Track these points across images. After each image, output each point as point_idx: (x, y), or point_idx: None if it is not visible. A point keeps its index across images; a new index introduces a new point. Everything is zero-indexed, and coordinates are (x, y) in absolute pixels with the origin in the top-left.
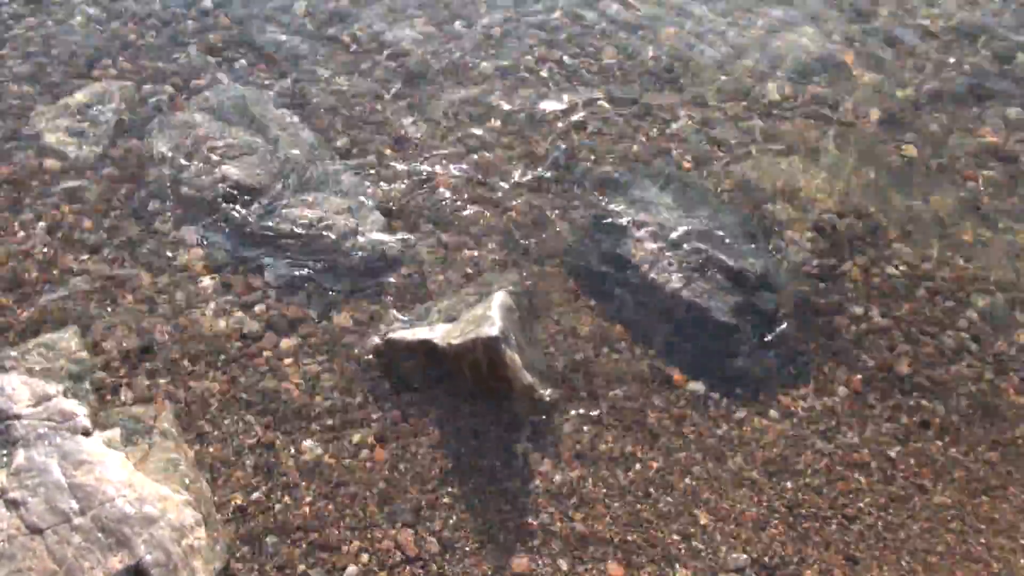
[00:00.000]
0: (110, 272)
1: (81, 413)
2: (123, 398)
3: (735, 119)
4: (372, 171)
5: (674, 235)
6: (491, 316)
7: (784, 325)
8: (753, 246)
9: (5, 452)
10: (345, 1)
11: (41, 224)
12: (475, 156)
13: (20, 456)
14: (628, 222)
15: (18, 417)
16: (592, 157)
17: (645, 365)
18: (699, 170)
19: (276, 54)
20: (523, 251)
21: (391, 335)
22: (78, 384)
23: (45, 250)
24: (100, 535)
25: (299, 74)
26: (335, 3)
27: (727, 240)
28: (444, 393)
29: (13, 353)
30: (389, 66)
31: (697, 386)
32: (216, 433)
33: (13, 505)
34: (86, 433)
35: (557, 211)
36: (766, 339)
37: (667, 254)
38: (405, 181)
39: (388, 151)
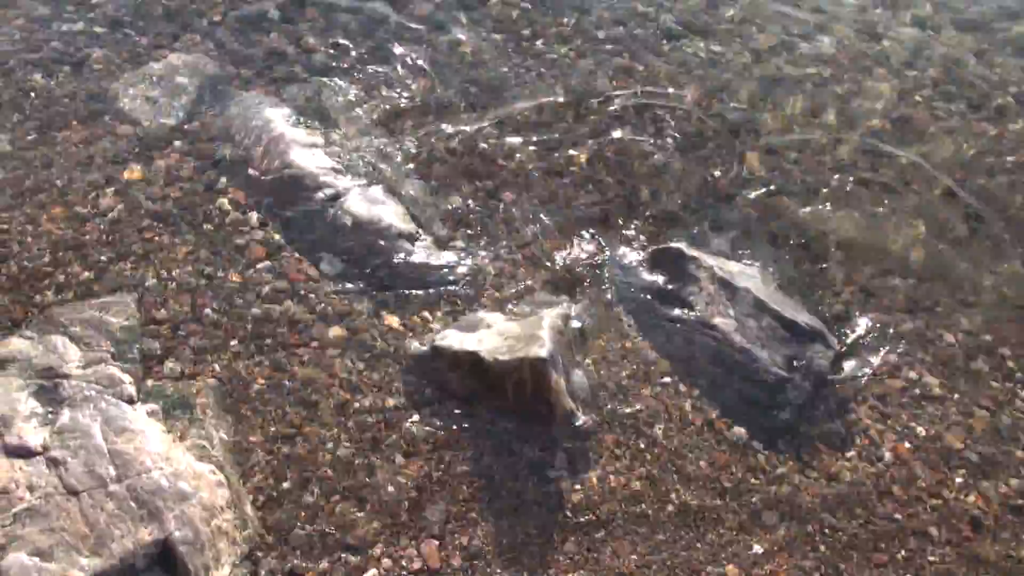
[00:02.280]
0: (169, 243)
1: (127, 380)
2: (168, 370)
3: (806, 170)
4: (439, 175)
5: (732, 279)
6: (541, 337)
7: (835, 383)
8: (811, 299)
9: (51, 410)
10: (429, 7)
11: (109, 189)
12: (544, 177)
13: (65, 416)
14: (687, 259)
15: (67, 377)
16: (659, 190)
17: (688, 404)
18: (765, 217)
19: (355, 51)
20: (578, 275)
21: (438, 342)
22: (127, 351)
23: (110, 215)
24: (133, 505)
25: (374, 73)
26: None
27: (785, 290)
28: (484, 408)
29: (68, 312)
30: (468, 76)
31: (739, 433)
32: (254, 417)
33: (53, 463)
34: (130, 401)
35: (617, 238)
36: (815, 395)
37: (723, 297)
38: (471, 191)
39: (454, 156)
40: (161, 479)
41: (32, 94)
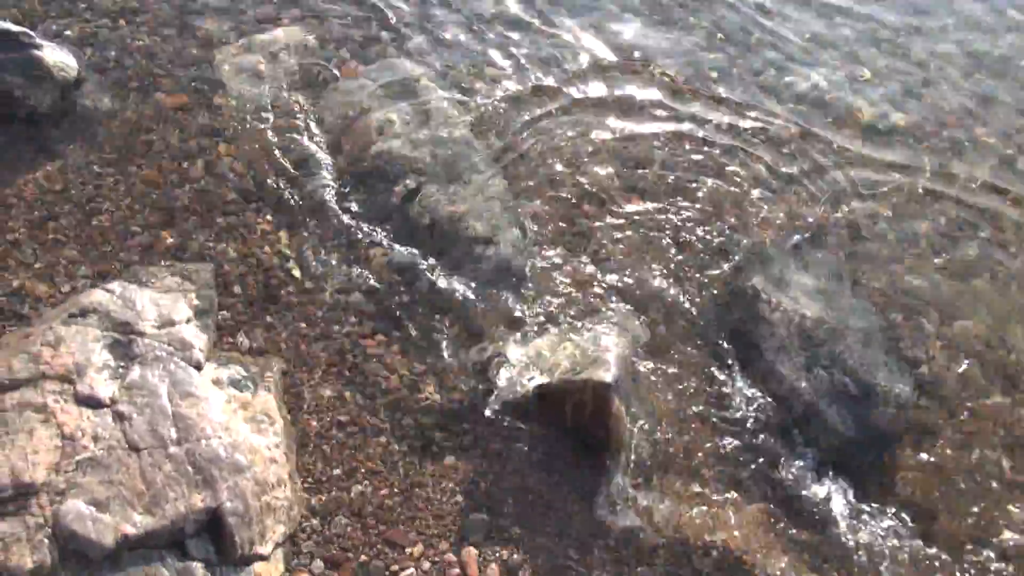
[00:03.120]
0: (252, 221)
1: (199, 346)
2: (239, 343)
3: (903, 223)
4: (523, 183)
5: (808, 325)
6: (608, 361)
7: (899, 447)
8: (886, 357)
9: (123, 365)
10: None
11: (200, 159)
12: (631, 198)
13: (135, 372)
14: (763, 300)
15: (142, 334)
16: (745, 225)
17: (751, 445)
18: (850, 265)
19: (454, 42)
20: (651, 301)
21: (502, 352)
22: (202, 318)
23: (199, 183)
24: (190, 469)
25: (469, 68)
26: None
27: (860, 344)
28: (539, 423)
29: (151, 273)
30: (565, 91)
31: (794, 483)
32: (313, 401)
33: (119, 417)
34: (198, 367)
35: (698, 269)
36: (877, 456)
37: (796, 342)
38: (553, 201)
39: (542, 166)
40: (219, 448)
41: (137, 55)
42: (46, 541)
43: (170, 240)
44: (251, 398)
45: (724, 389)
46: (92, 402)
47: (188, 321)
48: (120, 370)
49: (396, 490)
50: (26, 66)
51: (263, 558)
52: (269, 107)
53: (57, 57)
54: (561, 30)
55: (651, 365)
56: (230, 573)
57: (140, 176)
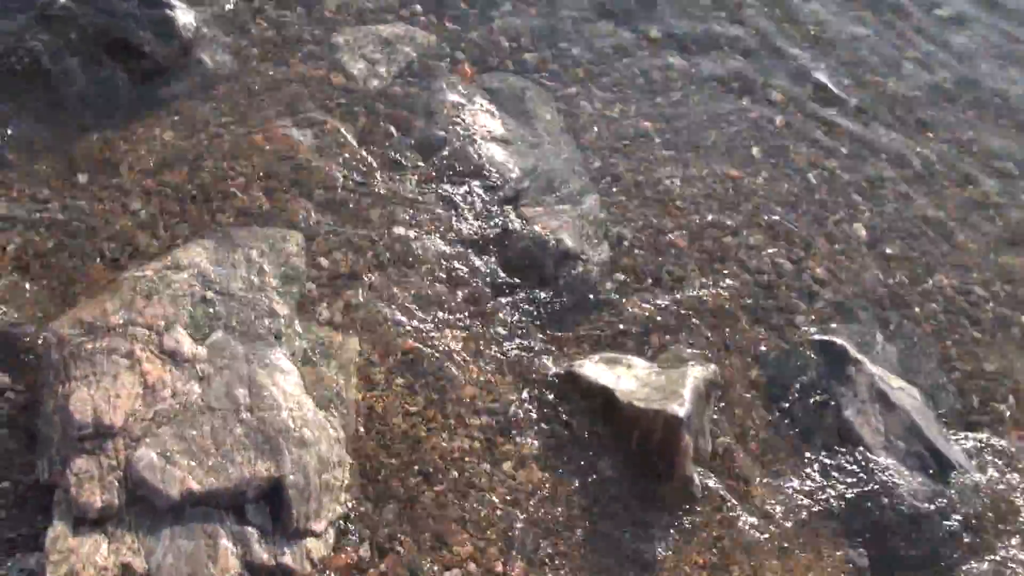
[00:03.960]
0: (349, 199)
1: (281, 314)
2: (319, 316)
3: (996, 302)
4: (616, 205)
5: (891, 394)
6: (682, 395)
7: (975, 533)
8: (968, 436)
9: (208, 324)
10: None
11: (308, 131)
12: (720, 235)
13: (219, 333)
14: (849, 359)
15: (230, 296)
16: (836, 281)
17: None
18: (937, 336)
19: (568, 58)
20: (731, 340)
21: (575, 368)
22: (286, 287)
23: (305, 155)
24: (259, 437)
25: (582, 84)
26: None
27: (942, 419)
28: (603, 446)
29: (246, 237)
30: (675, 110)
31: (858, 554)
32: (384, 387)
33: (198, 375)
34: (278, 336)
35: (782, 317)
36: (949, 538)
37: (876, 410)
38: (645, 227)
39: (636, 189)
40: (288, 420)
41: (263, 24)
42: (116, 484)
43: (267, 206)
44: (324, 374)
45: (788, 441)
46: (176, 356)
47: (274, 288)
48: (205, 329)
49: (452, 488)
50: (158, 23)
51: (315, 535)
52: (380, 94)
53: (187, 19)
54: (668, 56)
55: (723, 404)
56: (283, 544)
57: (248, 140)
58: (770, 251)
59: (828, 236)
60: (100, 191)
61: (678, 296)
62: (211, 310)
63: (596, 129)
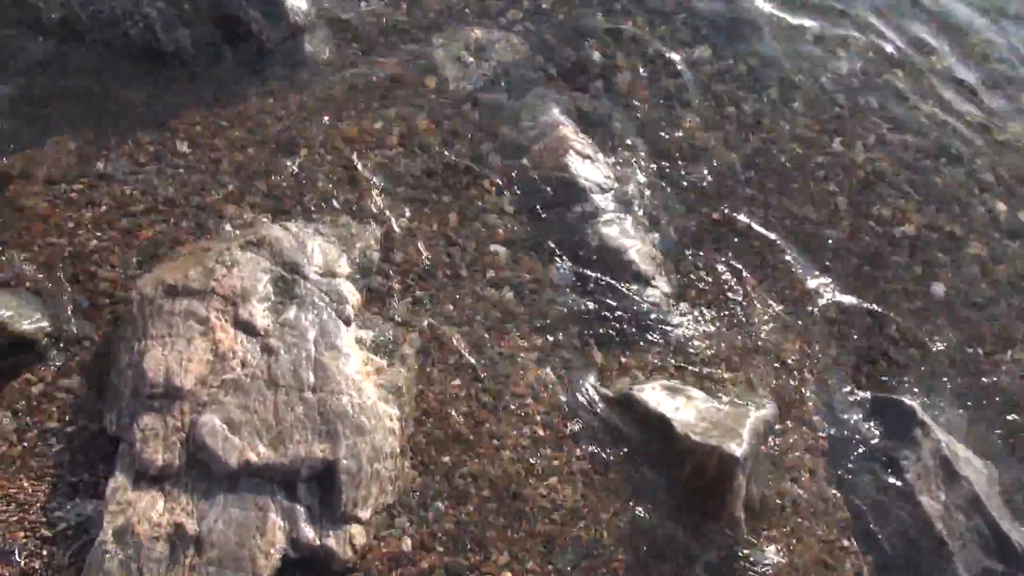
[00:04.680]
0: (429, 199)
1: (351, 302)
2: (387, 309)
3: None
4: (691, 235)
5: (956, 462)
6: (741, 435)
7: None
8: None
9: (282, 301)
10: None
11: (397, 129)
12: (794, 275)
13: (291, 312)
14: (916, 422)
15: (305, 277)
16: (910, 340)
17: (864, 569)
18: (1008, 416)
19: (659, 87)
20: (793, 383)
21: (635, 393)
22: (360, 276)
23: (390, 151)
24: (318, 418)
25: (666, 112)
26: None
27: (1008, 502)
28: (652, 473)
29: (327, 222)
30: (754, 149)
31: None
32: (441, 386)
33: (267, 350)
34: (347, 322)
35: (851, 368)
36: None
37: (939, 477)
38: (718, 260)
39: (713, 223)
40: (348, 406)
41: (368, 18)
42: (179, 445)
43: (350, 196)
44: (386, 365)
45: (845, 500)
46: (248, 329)
47: (348, 276)
48: (278, 306)
49: (497, 495)
50: (269, 4)
51: (360, 522)
52: (470, 97)
53: (298, 3)
54: (766, 92)
55: (779, 450)
56: (328, 526)
57: (339, 130)
58: (844, 299)
59: (906, 293)
60: (196, 162)
61: (746, 334)
62: (286, 289)
63: (679, 157)
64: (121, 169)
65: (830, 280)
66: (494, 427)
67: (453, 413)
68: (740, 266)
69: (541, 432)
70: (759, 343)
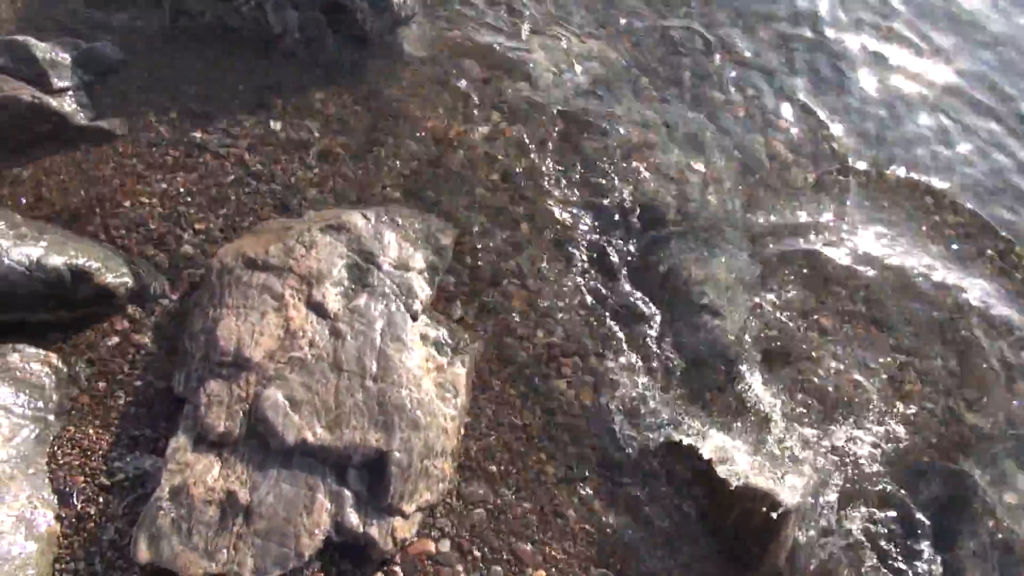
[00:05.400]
0: (506, 205)
1: (420, 297)
2: (453, 309)
3: None
4: (769, 271)
5: (1012, 542)
6: (796, 486)
7: None
8: None
9: (354, 288)
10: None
11: (482, 129)
12: (874, 326)
13: (362, 299)
14: (974, 493)
15: (379, 268)
16: (979, 409)
17: None
18: None
19: (754, 111)
20: (858, 445)
21: (685, 427)
22: (431, 273)
23: (473, 152)
24: (376, 407)
25: (763, 136)
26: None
27: None
28: (697, 511)
29: (405, 216)
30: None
31: None
32: (497, 394)
33: (335, 334)
34: (414, 317)
35: (916, 434)
36: None
37: (994, 553)
38: (795, 300)
39: (796, 262)
40: (407, 399)
41: (465, 19)
42: (241, 414)
43: (429, 192)
44: (446, 365)
45: (902, 565)
46: (320, 310)
47: (419, 271)
48: (350, 292)
49: (538, 510)
50: None
51: (404, 516)
52: (561, 104)
53: None
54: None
55: (833, 509)
56: (373, 515)
57: (426, 124)
58: (920, 361)
59: (982, 368)
60: (286, 141)
61: (811, 382)
62: (359, 276)
63: (769, 186)
64: (216, 140)
65: (903, 335)
66: (545, 442)
67: (506, 423)
68: (816, 308)
69: (591, 454)
70: (826, 394)
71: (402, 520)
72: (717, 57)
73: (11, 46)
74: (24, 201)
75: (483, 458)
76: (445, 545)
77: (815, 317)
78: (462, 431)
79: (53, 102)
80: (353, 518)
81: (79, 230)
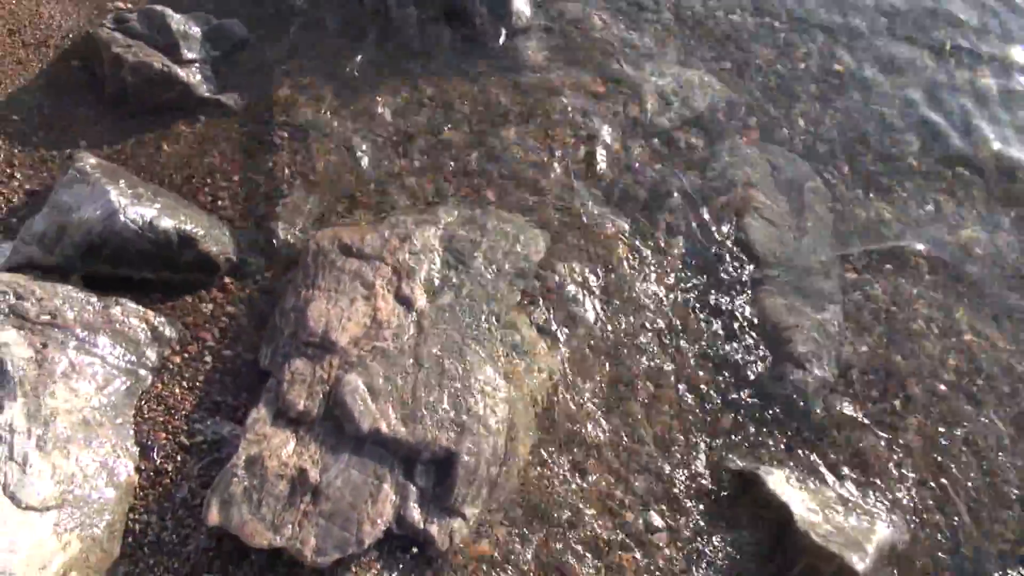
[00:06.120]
0: (599, 223)
1: (505, 303)
2: (536, 318)
3: None
4: (858, 326)
5: None
6: (866, 549)
7: None
8: None
9: (441, 284)
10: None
11: (586, 147)
12: (962, 395)
13: (447, 298)
14: None
15: (467, 268)
16: None
17: None
18: None
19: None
20: (936, 511)
21: (761, 474)
22: (518, 278)
23: (575, 166)
24: (451, 408)
25: (862, 193)
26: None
27: None
28: (758, 558)
29: (503, 216)
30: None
31: None
32: (570, 409)
33: (419, 329)
34: (497, 320)
35: (1002, 510)
36: None
37: None
38: (880, 360)
39: (886, 320)
40: (481, 403)
41: (586, 32)
42: (320, 395)
43: (527, 198)
44: (523, 375)
45: None
46: (407, 304)
47: (507, 275)
48: (436, 287)
49: (591, 541)
50: (496, 2)
51: (464, 518)
52: (664, 133)
53: (522, 6)
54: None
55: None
56: (434, 514)
57: (531, 133)
58: (1011, 430)
59: None
60: (394, 132)
61: (893, 442)
62: (449, 274)
63: (866, 242)
64: (324, 122)
65: (999, 404)
66: (611, 463)
67: (575, 440)
68: (903, 370)
69: (654, 486)
70: (907, 455)
71: (461, 522)
72: (834, 103)
73: (150, 15)
74: (143, 163)
75: (549, 477)
76: (499, 553)
77: (904, 379)
78: (532, 442)
79: (181, 72)
80: (415, 513)
81: (189, 197)
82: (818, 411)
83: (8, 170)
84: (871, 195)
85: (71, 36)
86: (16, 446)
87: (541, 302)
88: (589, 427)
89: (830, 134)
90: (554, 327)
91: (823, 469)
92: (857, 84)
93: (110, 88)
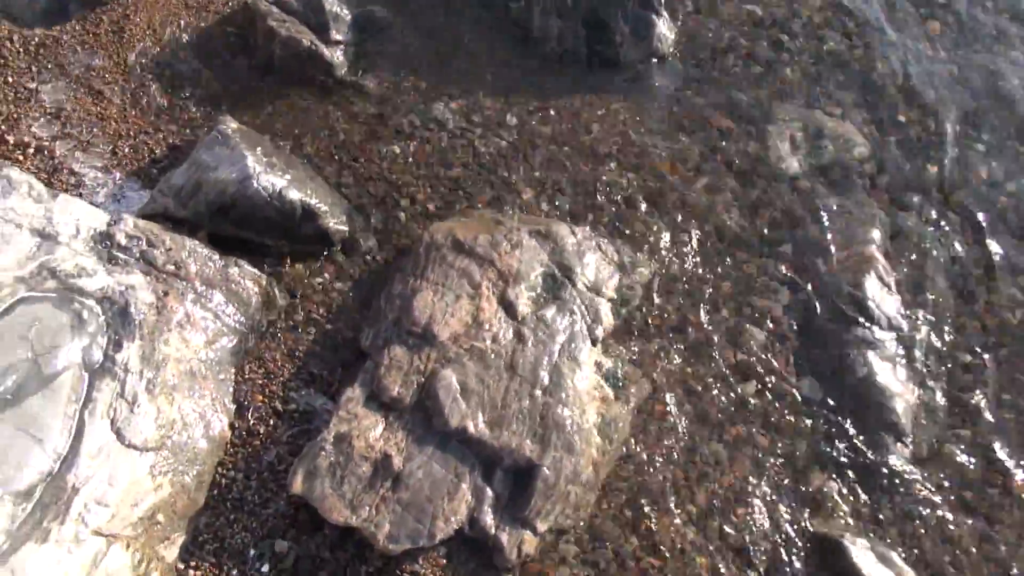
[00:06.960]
0: (709, 257)
1: (604, 324)
2: (632, 345)
3: None
4: (960, 407)
5: None
6: None
7: None
8: None
9: (546, 297)
10: None
11: (706, 179)
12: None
13: (551, 311)
14: None
15: (573, 285)
16: None
17: None
18: None
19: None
20: None
21: (844, 542)
22: (620, 303)
23: (692, 197)
24: (538, 420)
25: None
26: None
27: None
28: None
29: (610, 240)
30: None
31: None
32: (654, 440)
33: (518, 337)
34: (594, 342)
35: None
36: None
37: None
38: (979, 442)
39: (994, 399)
40: (568, 420)
41: (717, 68)
42: (415, 385)
43: (638, 223)
44: (612, 399)
45: None
46: (510, 309)
47: (610, 299)
48: (541, 300)
49: (659, 568)
50: (639, 22)
51: (535, 531)
52: (789, 179)
53: (665, 31)
54: None
55: None
56: (507, 521)
57: (653, 159)
58: None
59: None
60: (517, 139)
61: (984, 533)
62: (554, 287)
63: (990, 318)
64: (454, 121)
65: None
66: (686, 503)
67: (654, 472)
68: (1001, 455)
69: (728, 530)
70: (996, 549)
71: (531, 535)
72: (969, 168)
73: None
74: (279, 131)
75: (623, 500)
76: (562, 573)
77: (998, 466)
78: (611, 467)
79: (326, 52)
80: (488, 518)
81: (316, 171)
82: (907, 485)
83: (156, 122)
84: (996, 275)
85: (231, 3)
86: (128, 385)
87: (639, 331)
88: (670, 461)
89: (962, 201)
90: (649, 358)
91: (905, 543)
92: (998, 154)
93: (259, 58)
